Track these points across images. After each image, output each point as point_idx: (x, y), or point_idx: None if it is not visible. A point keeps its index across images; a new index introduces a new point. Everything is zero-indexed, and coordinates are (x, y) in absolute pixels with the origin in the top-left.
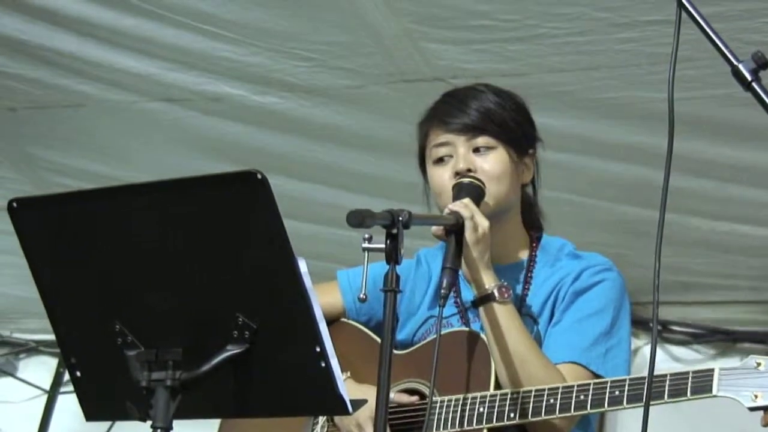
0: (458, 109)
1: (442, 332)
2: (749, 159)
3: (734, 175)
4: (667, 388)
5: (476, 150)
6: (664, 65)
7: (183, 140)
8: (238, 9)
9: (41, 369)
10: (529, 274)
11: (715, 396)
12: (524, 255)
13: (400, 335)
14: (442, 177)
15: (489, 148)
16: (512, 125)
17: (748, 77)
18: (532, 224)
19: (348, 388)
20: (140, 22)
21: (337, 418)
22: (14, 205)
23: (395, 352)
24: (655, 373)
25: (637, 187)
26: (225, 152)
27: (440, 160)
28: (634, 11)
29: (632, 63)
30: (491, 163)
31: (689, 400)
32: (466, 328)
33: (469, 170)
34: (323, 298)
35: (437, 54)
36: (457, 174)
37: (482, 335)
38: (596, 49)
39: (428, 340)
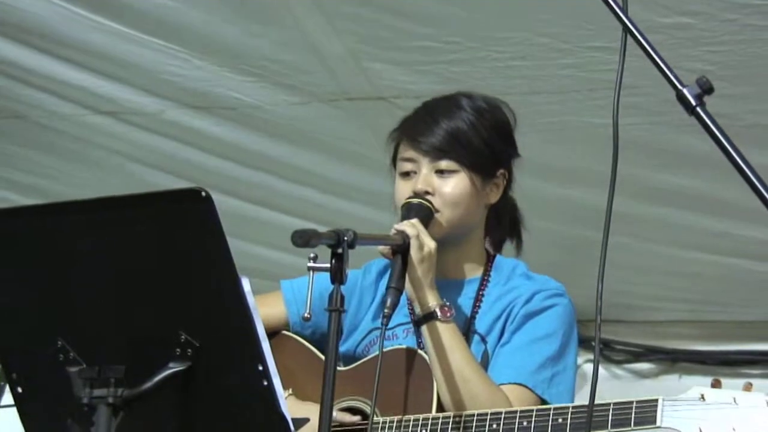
0: (428, 127)
1: (384, 349)
2: (690, 185)
3: (676, 201)
4: (610, 417)
5: (439, 171)
6: (603, 91)
7: (127, 155)
8: (184, 22)
9: None
10: (481, 292)
11: (658, 427)
12: (477, 273)
13: (343, 347)
14: (404, 191)
15: (451, 171)
16: (480, 148)
17: (693, 102)
18: (499, 238)
19: (290, 405)
20: (87, 34)
21: None
22: None
23: (338, 368)
24: (598, 398)
25: (576, 209)
26: (170, 168)
27: (406, 174)
28: (575, 37)
29: (573, 88)
30: (451, 187)
31: (633, 430)
32: (406, 345)
33: (427, 192)
34: (266, 309)
35: (380, 74)
36: (415, 194)
37: (420, 352)
38: (537, 74)
39: (370, 356)
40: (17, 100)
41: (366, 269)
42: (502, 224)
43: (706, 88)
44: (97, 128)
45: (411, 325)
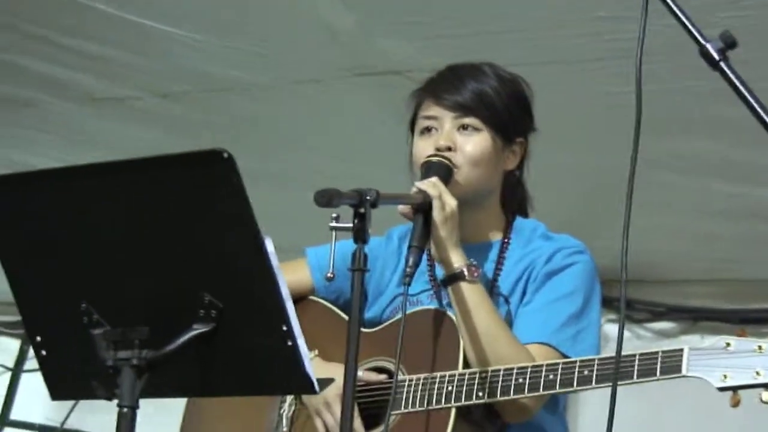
0: (454, 86)
1: (410, 311)
2: (708, 149)
3: (694, 165)
4: (636, 368)
5: (462, 128)
6: (615, 60)
7: (135, 137)
8: (190, 3)
9: (2, 350)
10: (502, 255)
11: (684, 376)
12: (498, 236)
13: (369, 313)
14: (423, 149)
15: (475, 129)
16: (503, 112)
17: (716, 56)
18: (513, 209)
19: (315, 366)
20: (87, 21)
21: (304, 397)
22: None
23: (363, 330)
24: (622, 352)
25: (590, 177)
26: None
27: (426, 131)
28: (585, 7)
29: (585, 58)
30: (473, 144)
31: (658, 380)
32: (433, 307)
33: (449, 148)
34: (292, 276)
35: (392, 49)
36: (437, 149)
37: (449, 313)
38: (549, 45)
39: (396, 318)
40: (26, 86)
41: (388, 236)
42: (516, 198)
43: (729, 43)
44: (106, 112)
45: (433, 291)
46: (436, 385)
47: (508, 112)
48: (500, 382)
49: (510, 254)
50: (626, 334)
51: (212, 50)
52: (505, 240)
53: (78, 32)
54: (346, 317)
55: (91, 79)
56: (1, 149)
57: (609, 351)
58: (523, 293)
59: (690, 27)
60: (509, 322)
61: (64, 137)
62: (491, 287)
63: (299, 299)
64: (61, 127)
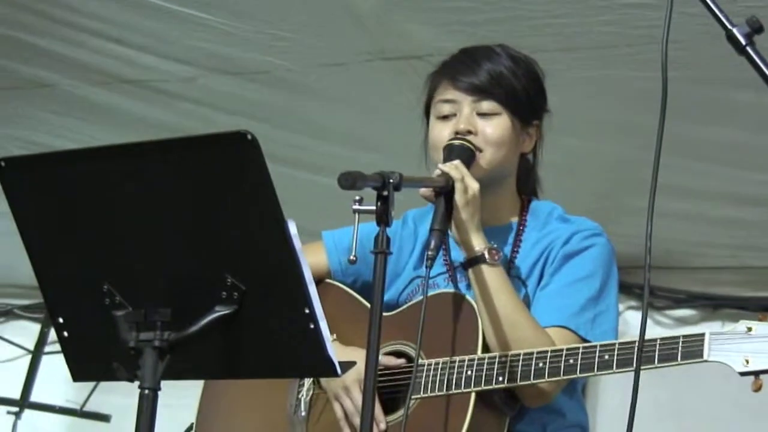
0: (470, 68)
1: (429, 294)
2: (731, 136)
3: (716, 151)
4: (657, 352)
5: (481, 113)
6: (640, 46)
7: (159, 120)
8: None
9: (22, 334)
10: (518, 237)
11: (705, 361)
12: (514, 218)
13: (386, 296)
14: (442, 133)
15: (494, 113)
16: (521, 94)
17: (743, 41)
18: (526, 192)
19: (335, 350)
20: (114, 5)
21: (323, 381)
22: (2, 164)
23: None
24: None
25: (613, 163)
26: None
27: (444, 117)
28: None
29: (610, 44)
30: (493, 128)
31: (679, 364)
32: (452, 290)
33: (470, 132)
34: (309, 258)
35: (414, 35)
36: (457, 133)
37: (468, 297)
38: (573, 31)
39: (414, 301)
40: (47, 68)
41: (404, 219)
42: (529, 182)
43: (756, 27)
44: (128, 95)
45: (449, 274)
46: (456, 370)
47: (525, 93)
48: (520, 367)
49: (526, 237)
50: (647, 321)
51: (235, 34)
52: (521, 222)
53: (98, 14)
54: (364, 301)
55: (111, 61)
56: (21, 130)
57: (629, 337)
58: (541, 276)
59: (716, 12)
60: (527, 305)
61: (84, 119)
62: (508, 269)
63: (317, 282)
64: (81, 109)
